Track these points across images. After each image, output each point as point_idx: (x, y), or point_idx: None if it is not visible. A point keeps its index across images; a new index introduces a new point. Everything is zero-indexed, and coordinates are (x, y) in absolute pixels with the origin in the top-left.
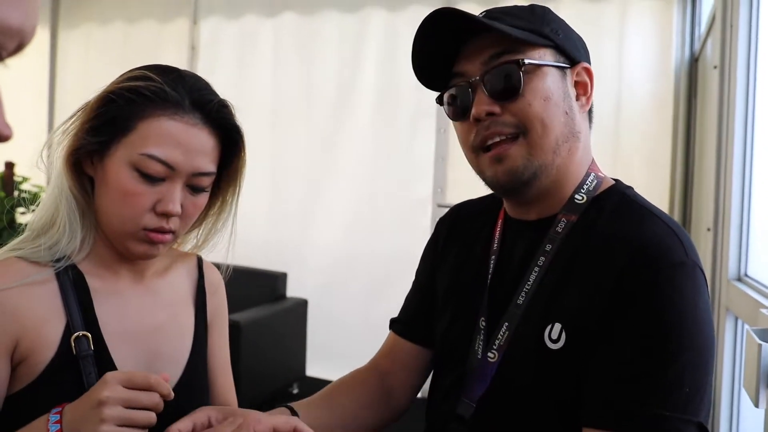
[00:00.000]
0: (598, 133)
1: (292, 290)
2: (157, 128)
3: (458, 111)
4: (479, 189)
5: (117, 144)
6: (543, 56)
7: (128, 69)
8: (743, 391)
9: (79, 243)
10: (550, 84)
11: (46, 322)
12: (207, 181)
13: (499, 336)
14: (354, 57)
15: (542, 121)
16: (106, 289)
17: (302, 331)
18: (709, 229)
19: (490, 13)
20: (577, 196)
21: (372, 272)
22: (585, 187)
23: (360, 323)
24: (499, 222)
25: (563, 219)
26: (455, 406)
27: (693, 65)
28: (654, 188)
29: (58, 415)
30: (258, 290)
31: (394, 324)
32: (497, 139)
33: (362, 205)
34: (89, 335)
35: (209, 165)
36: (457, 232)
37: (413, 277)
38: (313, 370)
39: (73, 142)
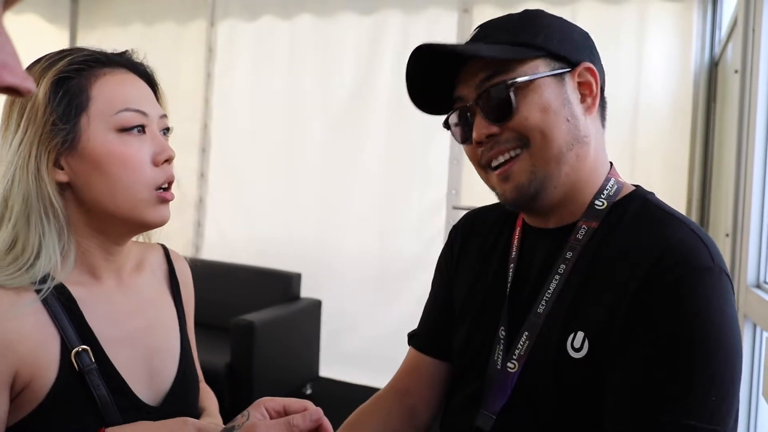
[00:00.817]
0: (615, 136)
1: (306, 291)
2: (112, 86)
3: (463, 134)
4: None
5: (87, 121)
6: (536, 69)
7: None
8: (761, 400)
9: (60, 258)
10: (546, 95)
11: (41, 344)
12: (167, 122)
13: (519, 345)
14: (370, 59)
15: (542, 132)
16: (91, 297)
17: (316, 331)
18: (727, 235)
19: (481, 31)
20: (597, 202)
21: (386, 273)
22: (605, 192)
23: (374, 324)
24: (517, 230)
25: (584, 226)
26: (474, 419)
27: (713, 69)
28: (671, 192)
29: None
30: (272, 290)
31: (412, 338)
32: (501, 160)
33: (377, 207)
34: (88, 348)
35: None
36: (472, 241)
37: (427, 278)
38: (326, 370)
39: (44, 145)
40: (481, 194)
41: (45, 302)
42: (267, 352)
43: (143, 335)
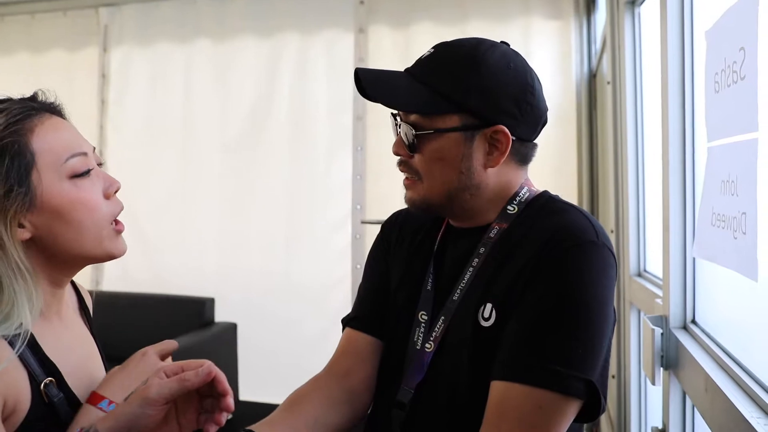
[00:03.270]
0: None
1: (221, 315)
2: (49, 135)
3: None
4: (398, 204)
5: (38, 177)
6: (448, 122)
7: None
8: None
9: (29, 310)
10: (446, 147)
11: (17, 377)
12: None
13: (436, 329)
14: (268, 81)
15: (432, 176)
16: (43, 334)
17: (233, 355)
18: (612, 231)
19: (428, 59)
20: (509, 207)
21: (297, 290)
22: (517, 198)
23: (291, 342)
24: (443, 229)
25: (496, 227)
26: (396, 393)
27: (591, 80)
28: (563, 196)
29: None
30: (186, 317)
31: (350, 321)
32: (406, 175)
33: (282, 226)
34: (53, 380)
35: None
36: (405, 237)
37: (337, 292)
38: (245, 393)
39: (1, 215)
40: (385, 208)
41: (9, 341)
42: None
43: (86, 367)
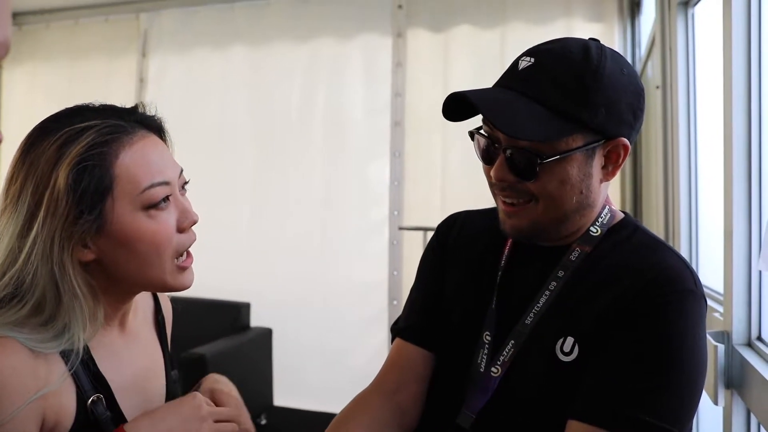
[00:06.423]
0: None
1: (256, 320)
2: (135, 160)
3: (483, 156)
4: (435, 211)
5: (111, 203)
6: (571, 143)
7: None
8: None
9: (83, 330)
10: (569, 169)
11: (62, 393)
12: (185, 176)
13: (504, 353)
14: (304, 86)
15: (553, 200)
16: (99, 344)
17: (268, 360)
18: None
19: (533, 71)
20: (592, 228)
21: (333, 297)
22: (600, 220)
23: (325, 350)
24: (509, 241)
25: (577, 249)
26: (455, 416)
27: None
28: None
29: None
30: (221, 321)
31: (402, 332)
32: (509, 201)
33: (319, 232)
34: (102, 397)
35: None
36: (463, 245)
37: (374, 299)
38: (280, 399)
39: (67, 236)
40: (423, 215)
41: (62, 354)
42: None
43: (143, 384)
